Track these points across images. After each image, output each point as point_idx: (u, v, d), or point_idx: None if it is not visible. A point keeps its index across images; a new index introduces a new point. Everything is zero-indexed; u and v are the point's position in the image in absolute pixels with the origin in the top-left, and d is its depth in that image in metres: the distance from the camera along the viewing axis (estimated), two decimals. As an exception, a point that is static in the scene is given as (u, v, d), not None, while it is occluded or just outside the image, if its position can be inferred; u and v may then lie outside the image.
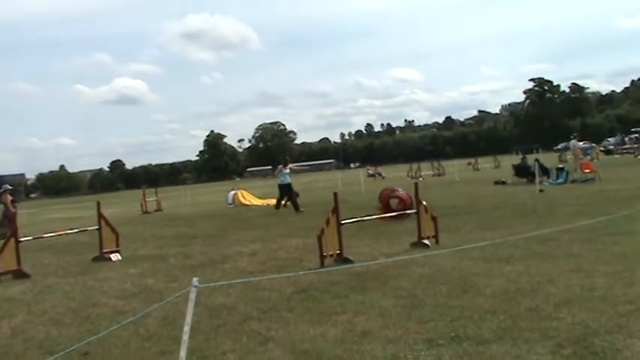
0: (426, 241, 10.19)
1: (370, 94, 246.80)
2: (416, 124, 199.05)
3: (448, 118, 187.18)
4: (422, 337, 5.17)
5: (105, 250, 11.83)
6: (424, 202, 10.49)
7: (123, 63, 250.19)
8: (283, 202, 21.05)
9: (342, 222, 9.39)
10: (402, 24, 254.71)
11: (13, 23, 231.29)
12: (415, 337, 5.17)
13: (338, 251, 9.22)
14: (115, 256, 11.75)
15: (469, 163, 51.80)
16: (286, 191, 20.81)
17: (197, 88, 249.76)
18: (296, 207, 20.11)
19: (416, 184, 10.90)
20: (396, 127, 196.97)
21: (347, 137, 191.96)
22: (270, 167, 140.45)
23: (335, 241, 9.18)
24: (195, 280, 3.82)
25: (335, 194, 9.37)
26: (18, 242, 10.57)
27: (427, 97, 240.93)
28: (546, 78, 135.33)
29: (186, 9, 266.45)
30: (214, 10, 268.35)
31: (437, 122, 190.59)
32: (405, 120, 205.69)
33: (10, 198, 19.87)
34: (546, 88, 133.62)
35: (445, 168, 44.47)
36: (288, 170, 20.93)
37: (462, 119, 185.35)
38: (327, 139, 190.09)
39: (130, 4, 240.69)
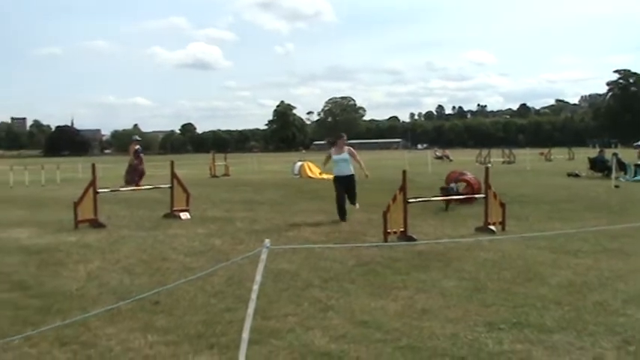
0: (492, 227, 10.07)
1: (443, 76, 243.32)
2: (489, 109, 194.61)
3: (523, 106, 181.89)
4: (483, 319, 5.17)
5: (175, 209, 12.27)
6: (493, 188, 10.34)
7: (199, 28, 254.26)
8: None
9: (409, 200, 9.39)
10: (479, 5, 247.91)
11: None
12: (476, 319, 5.18)
13: (402, 229, 9.24)
14: (184, 215, 12.16)
15: (542, 153, 50.34)
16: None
17: (269, 58, 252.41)
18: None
19: (487, 168, 10.75)
20: (468, 111, 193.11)
21: (416, 117, 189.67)
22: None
23: (400, 218, 9.21)
24: (267, 241, 3.93)
25: (404, 172, 9.36)
26: (96, 193, 11.09)
27: (502, 82, 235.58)
28: (633, 70, 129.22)
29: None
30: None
31: (511, 109, 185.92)
32: (478, 104, 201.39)
33: (135, 148, 20.39)
34: (632, 80, 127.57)
35: (516, 156, 43.38)
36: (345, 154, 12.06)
37: (537, 107, 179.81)
38: (396, 117, 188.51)
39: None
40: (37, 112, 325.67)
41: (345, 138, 12.35)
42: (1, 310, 5.64)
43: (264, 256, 3.88)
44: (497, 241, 8.76)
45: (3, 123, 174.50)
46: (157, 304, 5.72)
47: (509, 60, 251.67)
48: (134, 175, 20.31)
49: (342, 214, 11.75)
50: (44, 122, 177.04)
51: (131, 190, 14.33)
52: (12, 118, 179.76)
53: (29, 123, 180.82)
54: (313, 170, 28.08)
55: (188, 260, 8.05)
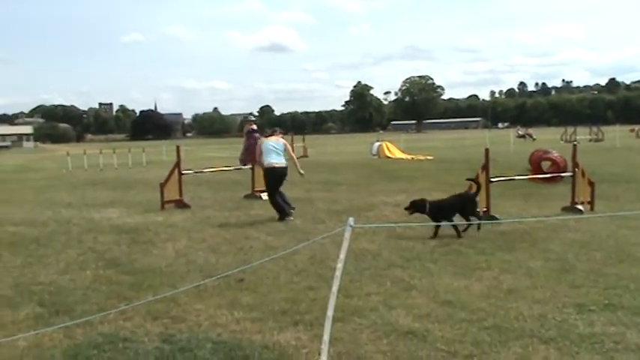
0: (580, 207, 9.69)
1: (525, 52, 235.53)
2: (574, 85, 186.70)
3: (612, 81, 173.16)
4: (572, 301, 5.00)
5: (256, 189, 12.50)
6: (581, 166, 9.93)
7: (275, 11, 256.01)
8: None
9: (491, 180, 9.17)
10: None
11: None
12: (564, 301, 5.01)
13: (485, 208, 9.05)
14: (265, 196, 12.33)
15: (632, 130, 47.90)
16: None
17: (345, 39, 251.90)
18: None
19: (574, 145, 10.31)
20: (552, 88, 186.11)
21: (497, 95, 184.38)
22: (414, 122, 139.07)
23: (482, 198, 9.00)
24: (350, 219, 3.93)
25: (486, 150, 9.13)
26: (181, 175, 11.45)
27: (589, 56, 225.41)
28: None
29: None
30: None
31: (598, 84, 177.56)
32: (563, 80, 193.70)
33: (248, 128, 19.76)
34: None
35: (604, 133, 41.44)
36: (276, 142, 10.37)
37: (627, 82, 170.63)
38: (475, 96, 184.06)
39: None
40: (123, 98, 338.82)
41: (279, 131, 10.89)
42: (97, 286, 5.94)
43: (347, 235, 3.89)
44: (585, 221, 8.43)
45: (91, 109, 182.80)
46: (241, 282, 5.86)
47: (596, 33, 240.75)
48: (248, 155, 19.95)
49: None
50: (129, 107, 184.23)
51: (214, 171, 14.67)
52: (99, 104, 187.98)
53: (115, 108, 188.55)
54: (392, 150, 27.90)
55: (270, 239, 8.20)
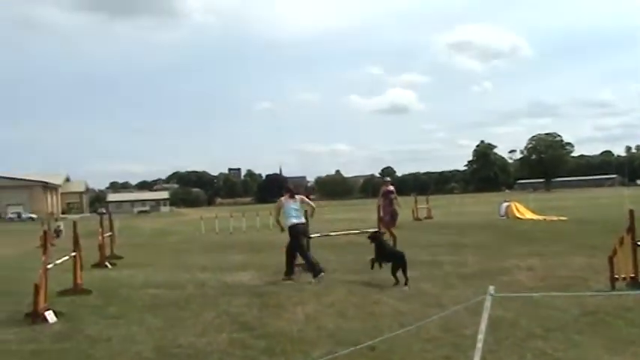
0: None
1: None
2: None
3: None
4: None
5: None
6: None
7: (394, 74, 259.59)
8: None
9: (638, 243, 8.49)
10: None
11: (304, 38, 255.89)
12: None
13: (632, 275, 8.36)
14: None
15: None
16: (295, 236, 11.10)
17: (466, 98, 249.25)
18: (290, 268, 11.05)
19: None
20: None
21: (634, 150, 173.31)
22: (542, 180, 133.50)
23: (629, 262, 8.34)
24: (491, 288, 3.78)
25: (631, 211, 8.50)
26: (309, 238, 11.63)
27: None
28: None
29: (453, 20, 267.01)
30: (482, 19, 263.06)
31: None
32: None
33: (384, 189, 19.38)
34: None
35: None
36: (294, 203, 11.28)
37: None
38: (609, 152, 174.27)
39: (400, 18, 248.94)
40: (250, 163, 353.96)
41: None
42: (232, 349, 6.06)
43: (488, 304, 3.73)
44: None
45: (221, 174, 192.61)
46: (373, 350, 5.75)
47: None
48: (384, 217, 19.48)
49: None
50: (256, 171, 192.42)
51: (339, 234, 14.81)
52: (229, 169, 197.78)
53: (243, 172, 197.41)
54: (521, 210, 26.82)
55: (399, 304, 8.03)
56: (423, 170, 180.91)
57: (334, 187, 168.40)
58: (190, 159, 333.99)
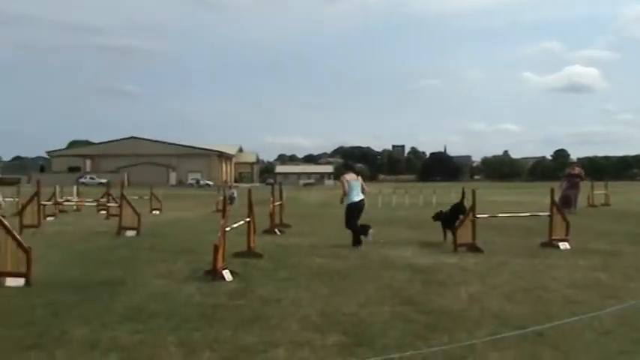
0: None
1: None
2: None
3: None
4: None
5: (554, 237, 11.80)
6: None
7: (574, 50, 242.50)
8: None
9: None
10: None
11: (474, 10, 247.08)
12: None
13: None
14: (563, 245, 11.62)
15: None
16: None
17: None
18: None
19: None
20: None
21: None
22: None
23: None
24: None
25: None
26: (475, 218, 11.38)
27: None
28: None
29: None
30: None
31: None
32: None
33: (568, 171, 19.10)
34: None
35: None
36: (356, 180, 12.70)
37: None
38: None
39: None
40: (415, 140, 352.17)
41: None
42: (394, 322, 6.14)
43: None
44: None
45: (385, 150, 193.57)
46: (540, 336, 5.53)
47: None
48: (566, 200, 18.99)
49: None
50: (420, 149, 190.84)
51: (508, 216, 14.27)
52: (393, 146, 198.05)
53: (407, 150, 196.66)
54: None
55: (570, 292, 7.61)
56: (600, 154, 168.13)
57: (500, 168, 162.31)
58: (355, 134, 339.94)
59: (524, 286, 8.04)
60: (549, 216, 11.98)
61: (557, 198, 13.92)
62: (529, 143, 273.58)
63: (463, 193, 12.66)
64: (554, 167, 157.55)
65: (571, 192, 19.14)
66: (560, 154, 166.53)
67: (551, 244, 11.72)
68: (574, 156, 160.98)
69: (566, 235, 11.88)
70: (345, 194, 12.58)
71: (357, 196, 12.50)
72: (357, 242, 12.19)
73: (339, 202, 12.95)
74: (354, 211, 12.42)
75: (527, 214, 13.97)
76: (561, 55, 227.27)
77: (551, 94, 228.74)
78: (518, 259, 10.34)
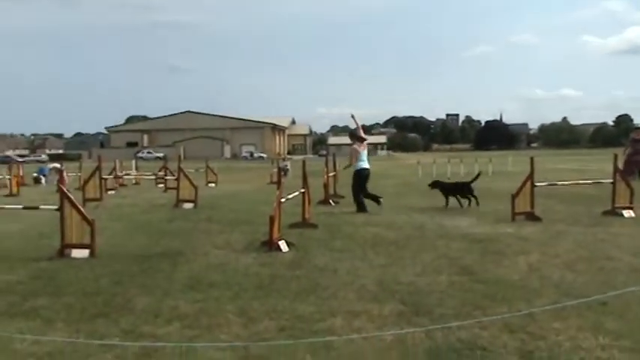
0: None
1: None
2: None
3: None
4: None
5: (617, 205, 11.43)
6: None
7: (637, 10, 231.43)
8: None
9: None
10: None
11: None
12: None
13: None
14: (627, 213, 11.24)
15: None
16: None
17: None
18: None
19: None
20: None
21: None
22: None
23: None
24: None
25: None
26: (533, 186, 11.12)
27: None
28: None
29: None
30: None
31: None
32: None
33: (633, 136, 18.59)
34: None
35: None
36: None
37: None
38: None
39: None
40: (469, 109, 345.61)
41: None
42: (452, 291, 6.09)
43: None
44: None
45: (438, 119, 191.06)
46: (604, 305, 5.38)
47: None
48: (630, 167, 18.26)
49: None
50: (475, 118, 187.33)
51: (568, 184, 13.87)
52: (446, 115, 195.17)
53: (461, 119, 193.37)
54: None
55: (636, 261, 7.38)
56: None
57: (559, 136, 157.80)
58: (408, 104, 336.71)
59: (586, 255, 7.83)
60: (612, 183, 11.60)
61: (620, 165, 13.43)
62: (590, 109, 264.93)
63: (478, 174, 14.86)
64: (617, 133, 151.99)
65: (636, 158, 18.41)
66: (623, 120, 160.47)
67: (614, 212, 11.36)
68: (638, 121, 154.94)
69: (631, 202, 11.48)
70: (351, 164, 13.43)
71: (365, 164, 13.41)
72: (362, 209, 12.93)
73: (342, 169, 14.43)
74: (362, 176, 13.26)
75: (590, 181, 13.54)
76: (624, 16, 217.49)
77: (613, 57, 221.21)
78: (579, 228, 10.07)
